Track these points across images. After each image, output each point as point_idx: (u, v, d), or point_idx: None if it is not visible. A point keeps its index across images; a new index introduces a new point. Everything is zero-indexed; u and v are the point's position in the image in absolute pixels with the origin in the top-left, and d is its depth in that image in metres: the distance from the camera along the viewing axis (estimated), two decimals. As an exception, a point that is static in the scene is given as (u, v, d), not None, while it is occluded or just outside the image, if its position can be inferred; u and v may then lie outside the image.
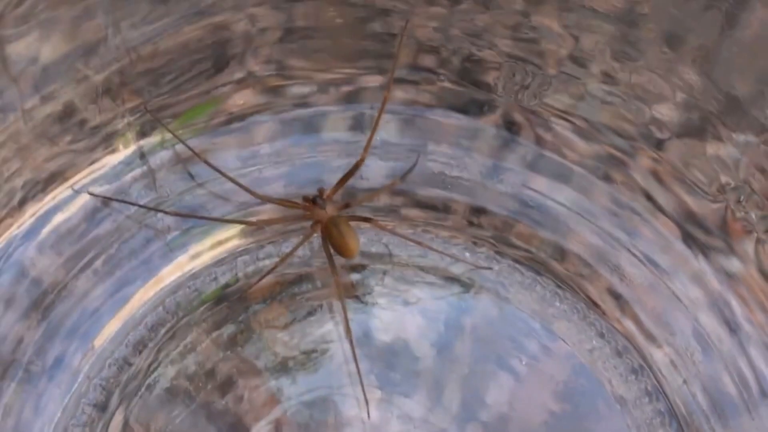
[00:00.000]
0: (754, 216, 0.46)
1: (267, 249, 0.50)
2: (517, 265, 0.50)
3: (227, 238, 0.50)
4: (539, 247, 0.50)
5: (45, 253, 0.46)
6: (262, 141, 0.49)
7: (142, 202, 0.48)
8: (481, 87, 0.48)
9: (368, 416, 0.47)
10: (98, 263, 0.48)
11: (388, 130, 0.50)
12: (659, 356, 0.48)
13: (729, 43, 0.44)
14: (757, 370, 0.47)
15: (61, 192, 0.47)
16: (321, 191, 0.48)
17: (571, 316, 0.49)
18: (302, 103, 0.49)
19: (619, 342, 0.49)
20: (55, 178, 0.46)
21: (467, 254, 0.50)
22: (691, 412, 0.47)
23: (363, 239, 0.50)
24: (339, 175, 0.48)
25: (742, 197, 0.46)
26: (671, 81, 0.45)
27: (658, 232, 0.48)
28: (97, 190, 0.47)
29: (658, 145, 0.47)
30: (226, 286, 0.50)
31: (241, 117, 0.49)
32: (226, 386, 0.48)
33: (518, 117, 0.49)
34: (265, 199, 0.48)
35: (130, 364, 0.48)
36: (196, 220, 0.49)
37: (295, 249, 0.49)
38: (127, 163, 0.48)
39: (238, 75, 0.48)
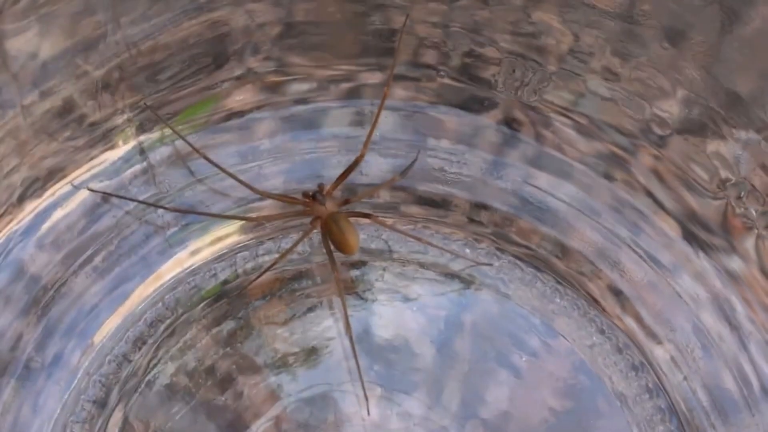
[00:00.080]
0: (754, 212, 0.46)
1: (266, 245, 0.50)
2: (518, 262, 0.50)
3: (227, 235, 0.50)
4: (540, 243, 0.50)
5: (44, 250, 0.46)
6: (261, 137, 0.49)
7: (141, 198, 0.48)
8: (482, 83, 0.48)
9: (368, 413, 0.47)
10: (98, 260, 0.48)
11: (387, 126, 0.50)
12: (660, 353, 0.48)
13: (730, 39, 0.44)
14: (757, 367, 0.47)
15: (60, 188, 0.47)
16: (321, 187, 0.48)
17: (572, 312, 0.49)
18: (302, 99, 0.49)
19: (620, 339, 0.49)
20: (54, 175, 0.46)
21: (467, 250, 0.50)
22: (692, 409, 0.47)
23: (363, 235, 0.50)
24: (339, 171, 0.48)
25: (742, 193, 0.46)
26: (672, 77, 0.45)
27: (659, 229, 0.48)
28: (97, 186, 0.47)
29: (659, 141, 0.47)
30: (226, 282, 0.50)
31: (241, 113, 0.49)
32: (226, 383, 0.48)
33: (518, 113, 0.49)
34: (265, 195, 0.48)
35: (130, 361, 0.48)
36: (195, 216, 0.49)
37: (294, 245, 0.49)
38: (127, 159, 0.48)
39: (238, 71, 0.48)
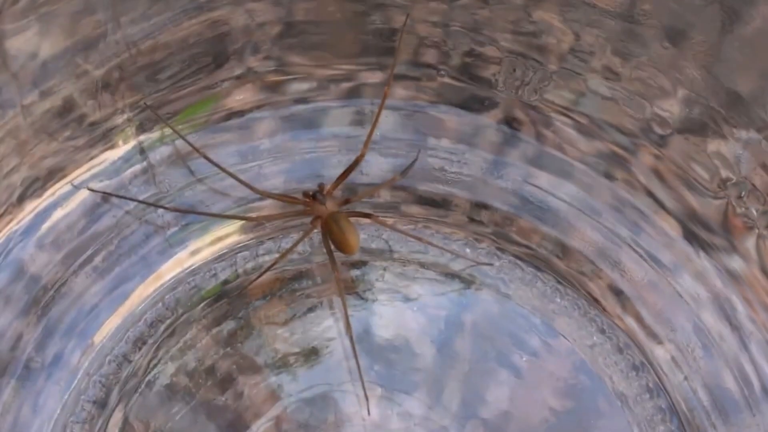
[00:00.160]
0: (755, 212, 0.46)
1: (267, 245, 0.50)
2: (518, 262, 0.50)
3: (227, 234, 0.50)
4: (540, 243, 0.50)
5: (44, 250, 0.46)
6: (261, 137, 0.49)
7: (141, 198, 0.48)
8: (482, 83, 0.48)
9: (368, 413, 0.47)
10: (98, 259, 0.48)
11: (388, 126, 0.50)
12: (660, 353, 0.48)
13: (731, 39, 0.44)
14: (758, 367, 0.47)
15: (60, 188, 0.47)
16: (321, 187, 0.48)
17: (572, 312, 0.49)
18: (302, 98, 0.49)
19: (620, 338, 0.49)
20: (54, 174, 0.46)
21: (468, 250, 0.50)
22: (692, 409, 0.47)
23: (363, 235, 0.50)
24: (339, 171, 0.48)
25: (743, 193, 0.46)
26: (673, 77, 0.45)
27: (659, 228, 0.48)
28: (97, 185, 0.47)
29: (660, 141, 0.47)
30: (226, 282, 0.50)
31: (241, 113, 0.49)
32: (226, 383, 0.48)
33: (519, 113, 0.49)
34: (265, 195, 0.48)
35: (130, 361, 0.48)
36: (195, 215, 0.49)
37: (295, 245, 0.49)
38: (127, 159, 0.48)
39: (238, 71, 0.48)
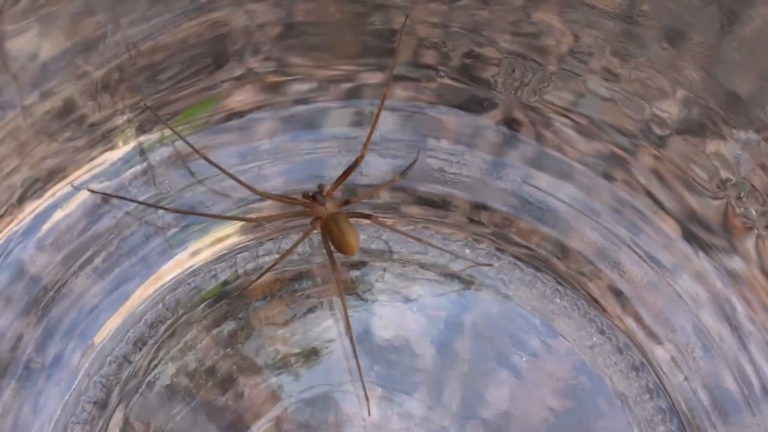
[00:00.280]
0: (754, 212, 0.46)
1: (267, 246, 0.50)
2: (518, 262, 0.50)
3: (227, 235, 0.50)
4: (540, 244, 0.50)
5: (44, 251, 0.46)
6: (261, 137, 0.49)
7: (141, 199, 0.48)
8: (481, 84, 0.48)
9: (369, 414, 0.47)
10: (98, 260, 0.48)
11: (387, 127, 0.50)
12: (660, 353, 0.48)
13: (729, 40, 0.44)
14: (758, 367, 0.47)
15: (60, 189, 0.47)
16: (321, 188, 0.48)
17: (572, 312, 0.49)
18: (302, 99, 0.49)
19: (620, 339, 0.49)
20: (54, 175, 0.46)
21: (467, 251, 0.50)
22: (692, 409, 0.47)
23: (363, 236, 0.50)
24: (338, 172, 0.48)
25: (742, 194, 0.46)
26: (672, 77, 0.45)
27: (659, 229, 0.48)
28: (97, 186, 0.47)
29: (659, 142, 0.47)
30: (226, 283, 0.50)
31: (241, 114, 0.49)
32: (227, 383, 0.48)
33: (518, 114, 0.49)
34: (265, 196, 0.48)
35: (130, 362, 0.48)
36: (195, 216, 0.49)
37: (294, 246, 0.49)
38: (127, 160, 0.48)
39: (238, 72, 0.48)
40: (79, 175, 0.47)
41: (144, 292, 0.48)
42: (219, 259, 0.50)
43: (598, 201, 0.49)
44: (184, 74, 0.47)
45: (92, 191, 0.47)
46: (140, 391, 0.47)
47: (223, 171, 0.47)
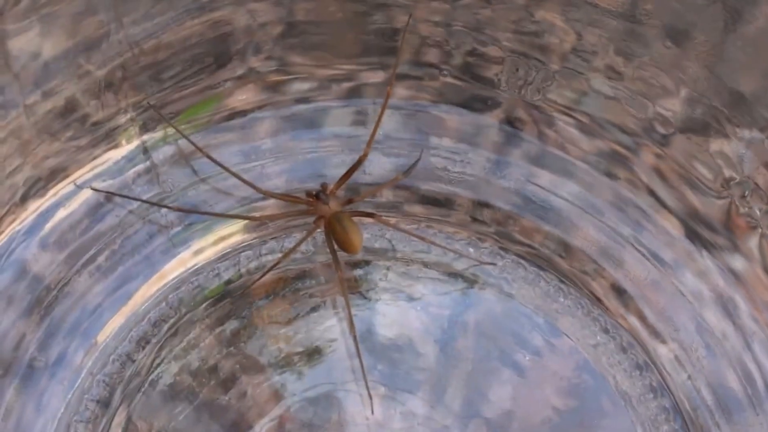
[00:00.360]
0: (758, 211, 0.46)
1: (270, 245, 0.50)
2: (521, 261, 0.50)
3: (230, 234, 0.50)
4: (543, 242, 0.50)
5: (47, 249, 0.46)
6: (264, 136, 0.49)
7: (144, 198, 0.48)
8: (484, 82, 0.48)
9: (372, 412, 0.47)
10: (101, 259, 0.48)
11: (390, 125, 0.50)
12: (664, 352, 0.48)
13: (733, 38, 0.44)
14: (761, 366, 0.46)
15: (63, 188, 0.47)
16: (324, 186, 0.48)
17: (575, 311, 0.49)
18: (303, 98, 0.49)
19: (624, 338, 0.49)
20: (57, 174, 0.46)
21: (471, 250, 0.50)
22: (696, 408, 0.47)
23: (366, 235, 0.50)
24: (342, 171, 0.48)
25: (746, 192, 0.46)
26: (675, 76, 0.45)
27: (661, 227, 0.48)
28: (100, 185, 0.47)
29: (662, 140, 0.47)
30: (229, 281, 0.50)
31: (243, 112, 0.49)
32: (229, 382, 0.48)
33: (521, 112, 0.49)
34: (268, 195, 0.48)
35: (133, 361, 0.48)
36: (198, 215, 0.49)
37: (298, 244, 0.49)
38: (130, 159, 0.48)
39: (240, 71, 0.48)
40: (82, 174, 0.47)
41: (147, 290, 0.49)
42: (222, 257, 0.50)
43: (600, 199, 0.49)
44: (187, 73, 0.47)
45: (95, 190, 0.47)
46: (143, 389, 0.47)
47: (227, 169, 0.47)
